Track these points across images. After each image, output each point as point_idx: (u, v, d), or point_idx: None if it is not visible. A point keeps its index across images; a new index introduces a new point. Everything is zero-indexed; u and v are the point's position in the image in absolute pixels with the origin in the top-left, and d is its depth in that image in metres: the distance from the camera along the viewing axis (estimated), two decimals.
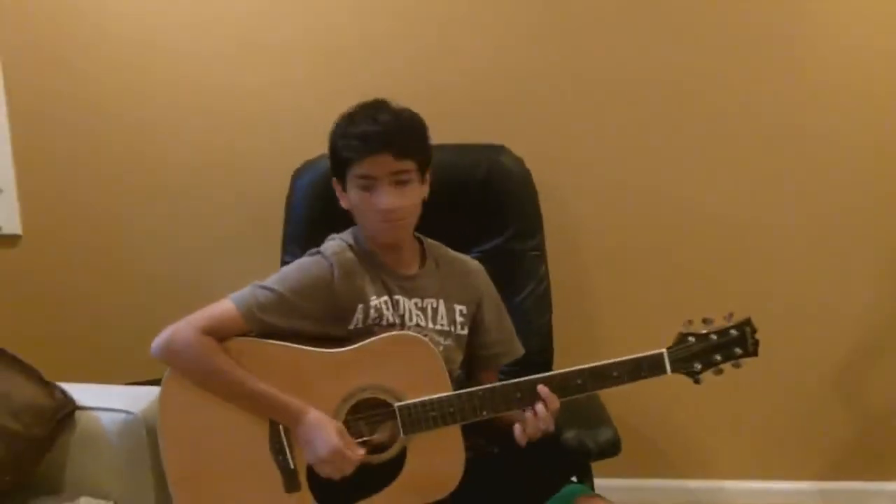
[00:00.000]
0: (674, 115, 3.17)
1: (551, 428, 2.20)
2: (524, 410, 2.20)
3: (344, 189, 2.34)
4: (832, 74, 3.11)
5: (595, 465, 2.61)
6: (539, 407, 2.18)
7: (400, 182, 2.26)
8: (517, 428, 2.19)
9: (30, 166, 3.44)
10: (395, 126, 2.25)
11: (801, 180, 3.19)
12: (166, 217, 3.37)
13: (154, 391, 2.47)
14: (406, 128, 2.27)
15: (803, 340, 3.30)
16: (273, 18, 3.21)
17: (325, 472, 2.20)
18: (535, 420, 2.17)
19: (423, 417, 2.21)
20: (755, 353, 2.28)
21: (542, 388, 2.18)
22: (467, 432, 2.27)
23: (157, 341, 2.20)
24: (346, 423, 2.22)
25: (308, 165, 2.90)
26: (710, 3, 3.10)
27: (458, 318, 2.44)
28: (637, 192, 3.22)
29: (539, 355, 2.79)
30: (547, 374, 2.21)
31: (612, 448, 2.52)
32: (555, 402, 2.19)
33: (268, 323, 2.24)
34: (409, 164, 2.26)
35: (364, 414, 2.25)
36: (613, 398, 2.90)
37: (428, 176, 2.36)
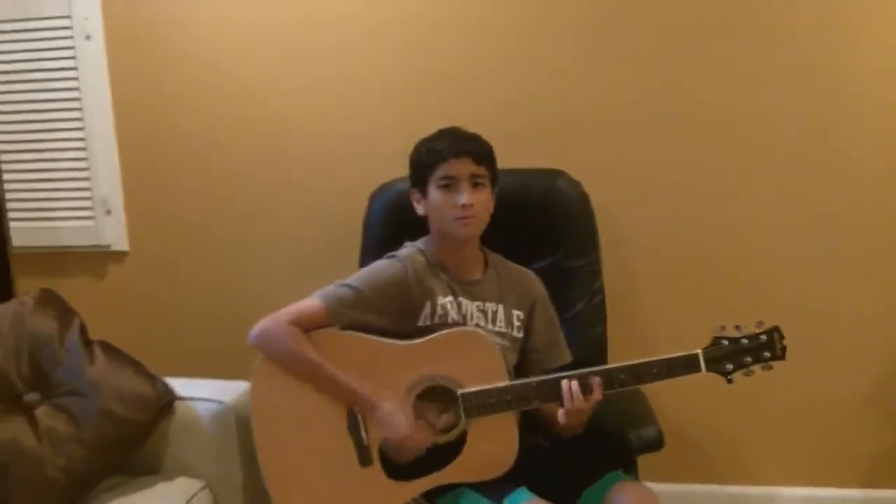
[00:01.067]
0: (719, 137, 3.36)
1: (589, 415, 2.47)
2: None
3: (423, 196, 2.65)
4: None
5: (642, 470, 2.82)
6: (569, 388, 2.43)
7: (476, 184, 2.60)
8: (561, 411, 2.45)
9: (135, 191, 3.78)
10: (474, 138, 2.63)
11: (835, 198, 3.37)
12: (259, 232, 3.67)
13: (242, 385, 2.80)
14: (483, 141, 2.64)
15: (845, 347, 3.46)
16: (352, 53, 3.51)
17: (395, 455, 2.49)
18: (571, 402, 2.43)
19: (483, 404, 2.49)
20: (783, 357, 2.52)
21: (592, 379, 2.45)
22: (523, 430, 2.54)
23: (253, 331, 2.53)
24: (413, 407, 2.50)
25: (383, 188, 3.19)
26: (769, 34, 3.29)
27: (515, 322, 2.72)
28: (688, 211, 3.43)
29: (591, 365, 3.02)
30: (594, 368, 2.48)
31: (655, 443, 2.74)
32: (598, 394, 2.45)
33: (347, 317, 2.54)
34: (484, 171, 2.60)
35: (430, 400, 2.52)
36: (662, 402, 3.16)
37: (495, 191, 2.66)
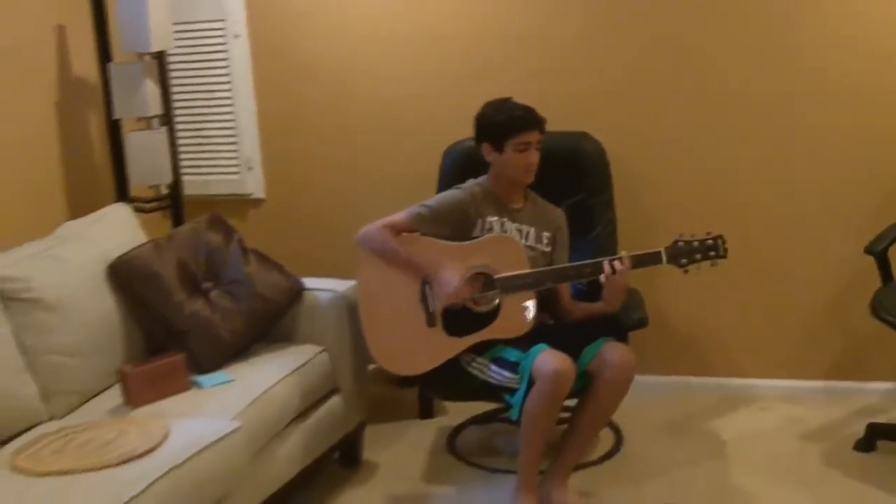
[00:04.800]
0: (712, 103, 4.39)
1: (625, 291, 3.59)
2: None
3: (496, 150, 3.72)
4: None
5: (642, 366, 3.76)
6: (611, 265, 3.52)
7: (537, 148, 3.71)
8: (603, 276, 3.53)
9: (270, 153, 4.97)
10: (539, 115, 3.71)
11: (805, 150, 4.35)
12: (361, 181, 4.81)
13: (349, 282, 3.92)
14: (542, 116, 3.72)
15: (811, 263, 4.42)
16: (425, 49, 4.65)
17: (449, 301, 3.59)
18: (613, 274, 3.52)
19: (512, 284, 3.62)
20: (724, 256, 3.58)
21: (625, 257, 3.54)
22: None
23: (358, 233, 3.70)
24: (466, 283, 3.63)
25: (454, 146, 4.31)
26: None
27: (544, 240, 3.82)
28: (684, 161, 4.46)
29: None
30: (599, 258, 3.58)
31: (640, 322, 3.87)
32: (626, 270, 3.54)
33: (423, 226, 3.69)
34: (541, 138, 3.70)
35: (477, 281, 3.67)
36: (660, 305, 4.28)
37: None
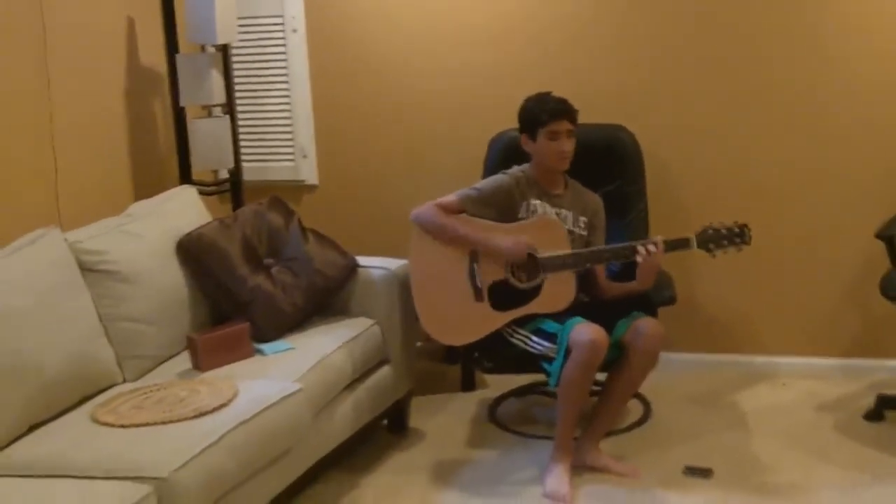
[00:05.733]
0: (739, 100, 4.68)
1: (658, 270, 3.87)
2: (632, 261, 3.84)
3: (531, 139, 4.02)
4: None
5: (672, 343, 4.15)
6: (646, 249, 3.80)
7: (570, 136, 3.98)
8: (638, 257, 3.81)
9: (324, 141, 5.27)
10: (570, 106, 3.99)
11: (829, 140, 4.63)
12: (412, 169, 5.10)
13: (401, 261, 4.22)
14: (573, 106, 4.00)
15: (831, 249, 4.69)
16: (470, 46, 4.96)
17: (511, 255, 3.89)
18: (647, 256, 3.79)
19: (554, 264, 3.91)
20: (749, 243, 3.86)
21: (659, 240, 3.82)
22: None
23: (413, 212, 4.00)
24: (511, 264, 3.94)
25: (498, 136, 4.59)
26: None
27: (581, 224, 4.09)
28: (710, 152, 4.75)
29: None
30: (634, 241, 3.88)
31: (669, 300, 4.19)
32: (660, 249, 3.81)
33: (471, 208, 3.98)
34: (573, 127, 3.98)
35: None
36: (690, 286, 4.56)
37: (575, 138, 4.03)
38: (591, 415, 4.03)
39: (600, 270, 4.04)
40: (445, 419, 4.60)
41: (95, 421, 3.36)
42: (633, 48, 4.79)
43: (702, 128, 4.76)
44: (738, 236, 3.86)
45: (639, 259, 3.82)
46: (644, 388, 4.31)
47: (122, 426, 3.29)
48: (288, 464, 3.56)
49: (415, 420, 4.53)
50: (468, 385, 4.87)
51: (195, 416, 3.31)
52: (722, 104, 4.72)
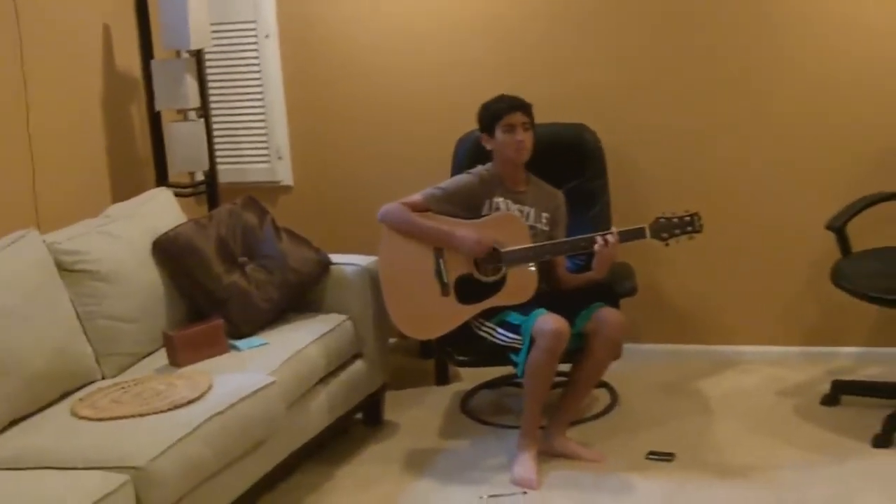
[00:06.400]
0: (698, 98, 4.84)
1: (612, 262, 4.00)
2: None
3: (490, 136, 4.16)
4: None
5: (639, 334, 4.53)
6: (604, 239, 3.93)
7: (526, 129, 4.13)
8: (596, 246, 3.95)
9: (298, 143, 5.39)
10: (523, 100, 4.16)
11: (788, 134, 4.79)
12: (383, 169, 5.22)
13: (371, 257, 4.34)
14: (526, 101, 4.16)
15: (790, 242, 4.84)
16: (439, 48, 5.11)
17: (475, 250, 4.02)
18: (604, 246, 3.93)
19: (516, 257, 4.05)
20: (700, 231, 3.99)
21: (615, 232, 3.95)
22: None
23: (380, 210, 4.13)
24: (475, 259, 4.08)
25: (464, 137, 4.72)
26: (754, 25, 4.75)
27: (543, 220, 4.22)
28: (669, 148, 4.89)
29: None
30: (592, 233, 4.00)
31: (630, 290, 4.33)
32: (615, 240, 3.94)
33: (437, 206, 4.11)
34: (528, 119, 4.13)
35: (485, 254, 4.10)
36: (656, 280, 4.72)
37: (534, 133, 4.17)
38: (557, 404, 4.17)
39: (560, 263, 4.18)
40: (420, 412, 4.73)
41: (75, 415, 3.48)
42: (594, 53, 4.94)
43: (661, 125, 4.90)
44: (689, 225, 4.00)
45: (596, 248, 3.95)
46: (611, 378, 4.50)
47: (101, 419, 3.41)
48: (264, 454, 3.68)
49: (390, 413, 4.66)
50: (442, 379, 5.01)
51: (172, 408, 3.43)
52: (680, 103, 4.88)
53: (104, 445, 3.23)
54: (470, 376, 4.98)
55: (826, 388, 4.51)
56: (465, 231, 4.07)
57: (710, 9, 4.78)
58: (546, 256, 4.08)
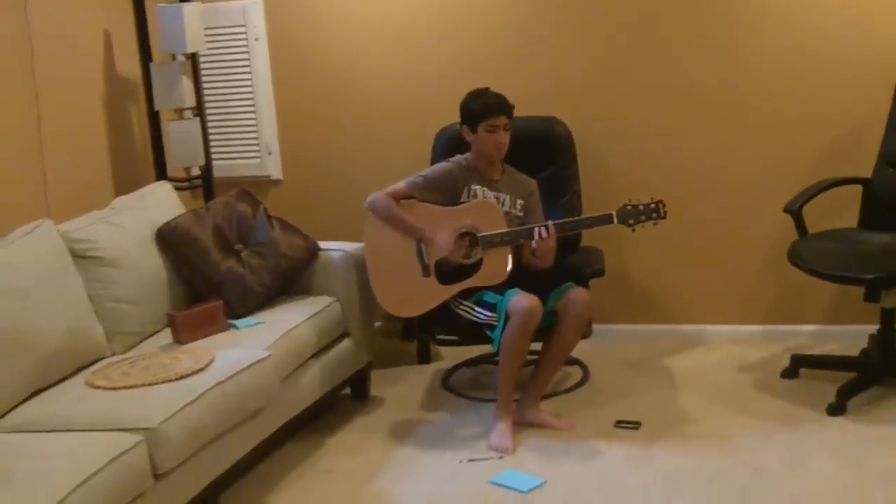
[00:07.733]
0: (662, 90, 5.15)
1: (553, 251, 4.30)
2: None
3: (472, 131, 4.45)
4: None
5: (609, 315, 4.89)
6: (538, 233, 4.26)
7: (506, 129, 4.43)
8: (532, 243, 4.27)
9: (287, 139, 5.70)
10: (506, 101, 4.43)
11: (744, 129, 5.10)
12: (365, 161, 5.52)
13: (357, 244, 4.64)
14: (510, 102, 4.44)
15: (749, 224, 5.14)
16: (418, 46, 5.40)
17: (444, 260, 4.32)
18: (540, 240, 4.26)
19: (492, 241, 4.37)
20: (664, 217, 4.29)
21: (549, 225, 4.29)
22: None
23: (367, 199, 4.43)
24: (455, 241, 4.38)
25: (444, 129, 5.04)
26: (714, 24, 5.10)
27: (517, 206, 4.53)
28: (638, 141, 5.20)
29: (572, 237, 4.78)
30: (553, 221, 4.32)
31: (599, 272, 4.63)
32: (553, 233, 4.26)
33: (418, 193, 4.42)
34: (510, 121, 4.42)
35: (464, 238, 4.41)
36: (624, 264, 5.03)
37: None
38: (529, 379, 4.49)
39: (526, 248, 4.44)
40: (403, 388, 5.06)
41: (90, 385, 3.80)
42: (565, 49, 5.24)
43: (628, 117, 5.22)
44: (654, 212, 4.31)
45: (533, 245, 4.28)
46: (582, 356, 4.87)
47: (114, 388, 3.73)
48: (261, 422, 4.00)
49: (375, 389, 4.99)
50: (424, 358, 5.34)
51: (178, 378, 3.74)
52: (647, 96, 5.18)
53: (118, 410, 3.54)
54: (450, 355, 5.32)
55: (786, 363, 4.82)
56: (441, 236, 4.37)
57: (675, 10, 5.10)
58: (520, 241, 4.38)
